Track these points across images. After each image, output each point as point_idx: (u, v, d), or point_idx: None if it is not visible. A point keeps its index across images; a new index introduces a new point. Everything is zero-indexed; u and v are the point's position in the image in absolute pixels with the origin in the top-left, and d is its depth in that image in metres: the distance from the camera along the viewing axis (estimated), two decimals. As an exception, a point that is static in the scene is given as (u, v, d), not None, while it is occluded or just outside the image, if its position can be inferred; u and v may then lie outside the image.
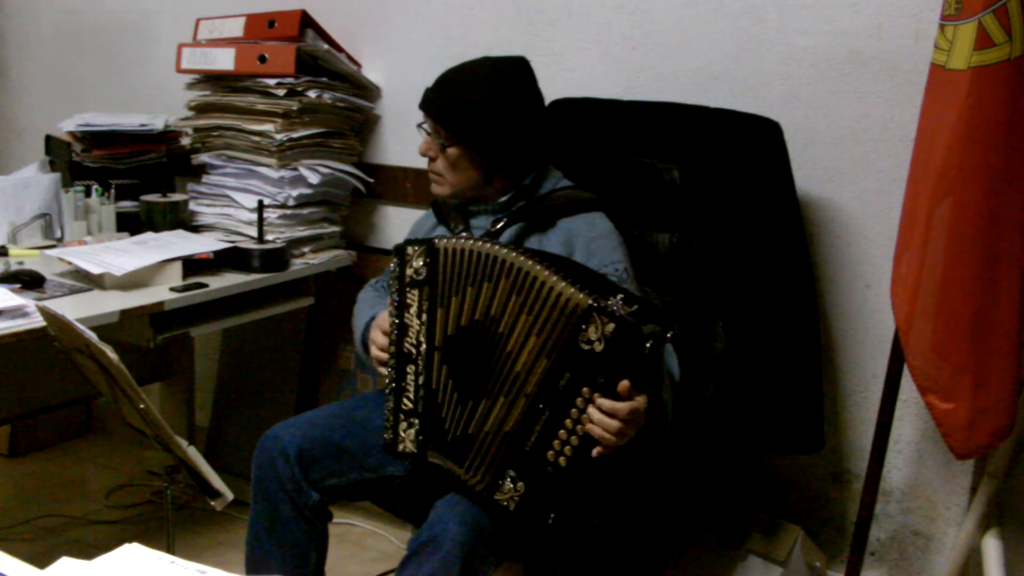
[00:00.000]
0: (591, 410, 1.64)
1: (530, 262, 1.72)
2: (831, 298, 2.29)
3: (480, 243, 1.80)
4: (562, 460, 1.68)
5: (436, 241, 1.81)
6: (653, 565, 2.22)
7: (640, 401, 1.63)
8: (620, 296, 1.63)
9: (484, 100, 1.94)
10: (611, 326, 1.60)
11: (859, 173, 2.22)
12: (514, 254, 1.75)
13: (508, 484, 1.72)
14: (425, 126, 2.00)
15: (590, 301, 1.63)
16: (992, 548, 2.07)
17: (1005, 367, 1.89)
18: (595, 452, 1.65)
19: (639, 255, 2.00)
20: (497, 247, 1.77)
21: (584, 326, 1.63)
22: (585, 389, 1.65)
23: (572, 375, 1.66)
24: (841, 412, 2.32)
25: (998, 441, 1.95)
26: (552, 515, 1.69)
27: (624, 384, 1.61)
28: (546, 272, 1.70)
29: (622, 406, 1.61)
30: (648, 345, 1.60)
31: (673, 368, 1.82)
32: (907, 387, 2.08)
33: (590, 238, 1.93)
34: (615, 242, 1.95)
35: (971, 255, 1.85)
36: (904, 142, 2.09)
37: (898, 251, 1.97)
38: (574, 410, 1.66)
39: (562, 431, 1.67)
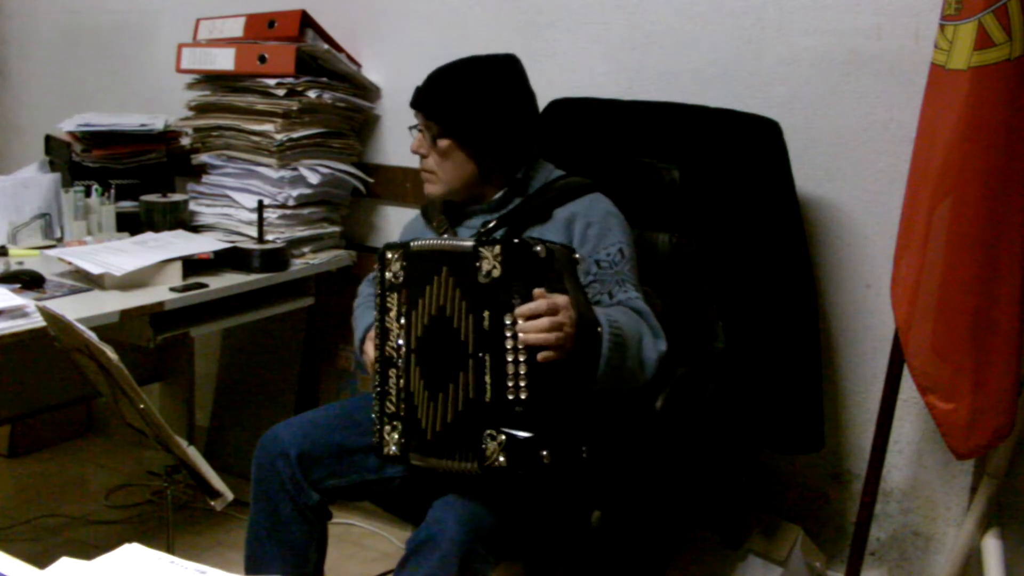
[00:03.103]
0: (519, 325, 1.68)
1: (454, 241, 1.77)
2: (831, 298, 2.29)
3: (439, 241, 1.82)
4: (523, 393, 1.68)
5: (412, 244, 1.83)
6: (653, 565, 2.22)
7: (559, 297, 1.68)
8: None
9: (473, 91, 1.96)
10: (497, 248, 1.70)
11: (859, 173, 2.22)
12: (458, 242, 1.78)
13: (490, 444, 1.72)
14: (418, 126, 2.01)
15: (472, 241, 1.73)
16: (992, 548, 2.07)
17: (1005, 367, 1.89)
18: (540, 357, 1.67)
19: (639, 255, 2.00)
20: (453, 241, 1.80)
21: (477, 263, 1.71)
22: (507, 316, 1.68)
23: (491, 311, 1.70)
24: (841, 412, 2.32)
25: (998, 441, 1.95)
26: (545, 453, 1.69)
27: (537, 291, 1.67)
28: (461, 242, 1.75)
29: (540, 303, 1.66)
30: (539, 249, 1.68)
31: (646, 343, 1.83)
32: (907, 387, 2.08)
33: (586, 224, 1.94)
34: (610, 224, 1.95)
35: (971, 255, 1.85)
36: (904, 142, 2.09)
37: (898, 251, 1.97)
38: (508, 340, 1.68)
39: (509, 366, 1.69)
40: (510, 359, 1.68)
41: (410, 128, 2.03)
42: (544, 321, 1.66)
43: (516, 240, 1.71)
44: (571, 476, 1.76)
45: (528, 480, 1.74)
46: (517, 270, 1.69)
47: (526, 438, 1.69)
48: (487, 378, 1.71)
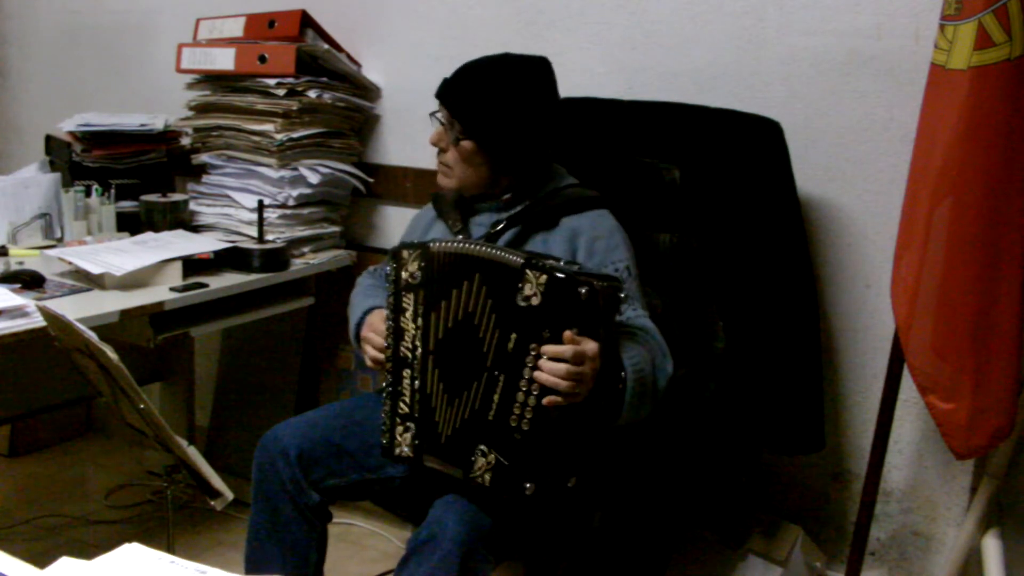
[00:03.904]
0: (540, 361, 1.65)
1: (500, 253, 1.73)
2: (831, 298, 2.29)
3: (468, 245, 1.80)
4: (525, 424, 1.68)
5: (431, 245, 1.81)
6: (653, 565, 2.22)
7: (588, 345, 1.64)
8: (565, 263, 1.69)
9: (504, 98, 1.92)
10: (544, 277, 1.65)
11: (859, 173, 2.22)
12: (491, 250, 1.75)
13: (480, 460, 1.72)
14: (439, 115, 1.98)
15: (522, 260, 1.68)
16: (992, 548, 2.07)
17: (1005, 367, 1.89)
18: (546, 401, 1.64)
19: (639, 255, 2.00)
20: (481, 247, 1.77)
21: (519, 284, 1.67)
22: (533, 346, 1.66)
23: (518, 335, 1.68)
24: (841, 412, 2.32)
25: (998, 441, 1.95)
26: (529, 485, 1.68)
27: (568, 334, 1.63)
28: (508, 256, 1.71)
29: (567, 348, 1.63)
30: (584, 291, 1.62)
31: (659, 371, 1.81)
32: (907, 387, 2.08)
33: (592, 237, 1.93)
34: (617, 240, 1.95)
35: (971, 255, 1.85)
36: (904, 142, 2.09)
37: (898, 251, 1.97)
38: (526, 370, 1.67)
39: (519, 394, 1.68)
40: (523, 389, 1.68)
41: (431, 115, 2.00)
42: (563, 368, 1.63)
43: (563, 276, 1.64)
44: (553, 506, 1.75)
45: (507, 505, 1.75)
46: (556, 306, 1.65)
47: (515, 467, 1.69)
48: (496, 397, 1.71)
